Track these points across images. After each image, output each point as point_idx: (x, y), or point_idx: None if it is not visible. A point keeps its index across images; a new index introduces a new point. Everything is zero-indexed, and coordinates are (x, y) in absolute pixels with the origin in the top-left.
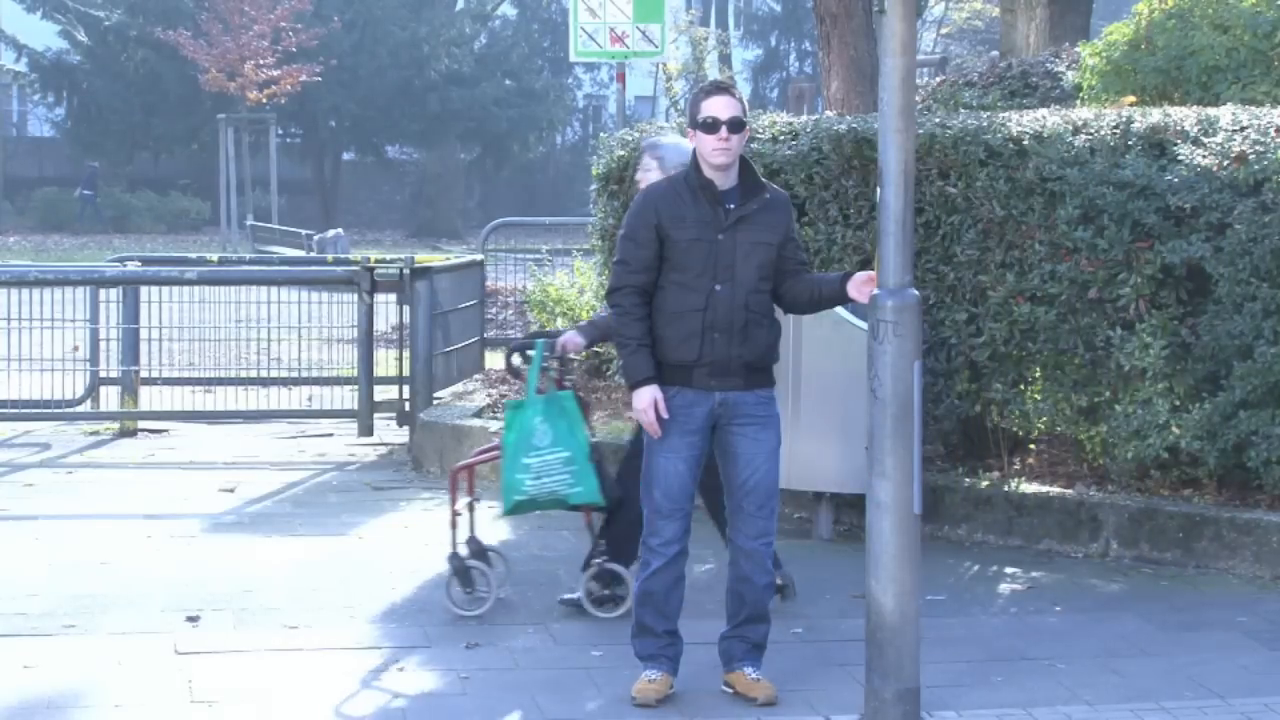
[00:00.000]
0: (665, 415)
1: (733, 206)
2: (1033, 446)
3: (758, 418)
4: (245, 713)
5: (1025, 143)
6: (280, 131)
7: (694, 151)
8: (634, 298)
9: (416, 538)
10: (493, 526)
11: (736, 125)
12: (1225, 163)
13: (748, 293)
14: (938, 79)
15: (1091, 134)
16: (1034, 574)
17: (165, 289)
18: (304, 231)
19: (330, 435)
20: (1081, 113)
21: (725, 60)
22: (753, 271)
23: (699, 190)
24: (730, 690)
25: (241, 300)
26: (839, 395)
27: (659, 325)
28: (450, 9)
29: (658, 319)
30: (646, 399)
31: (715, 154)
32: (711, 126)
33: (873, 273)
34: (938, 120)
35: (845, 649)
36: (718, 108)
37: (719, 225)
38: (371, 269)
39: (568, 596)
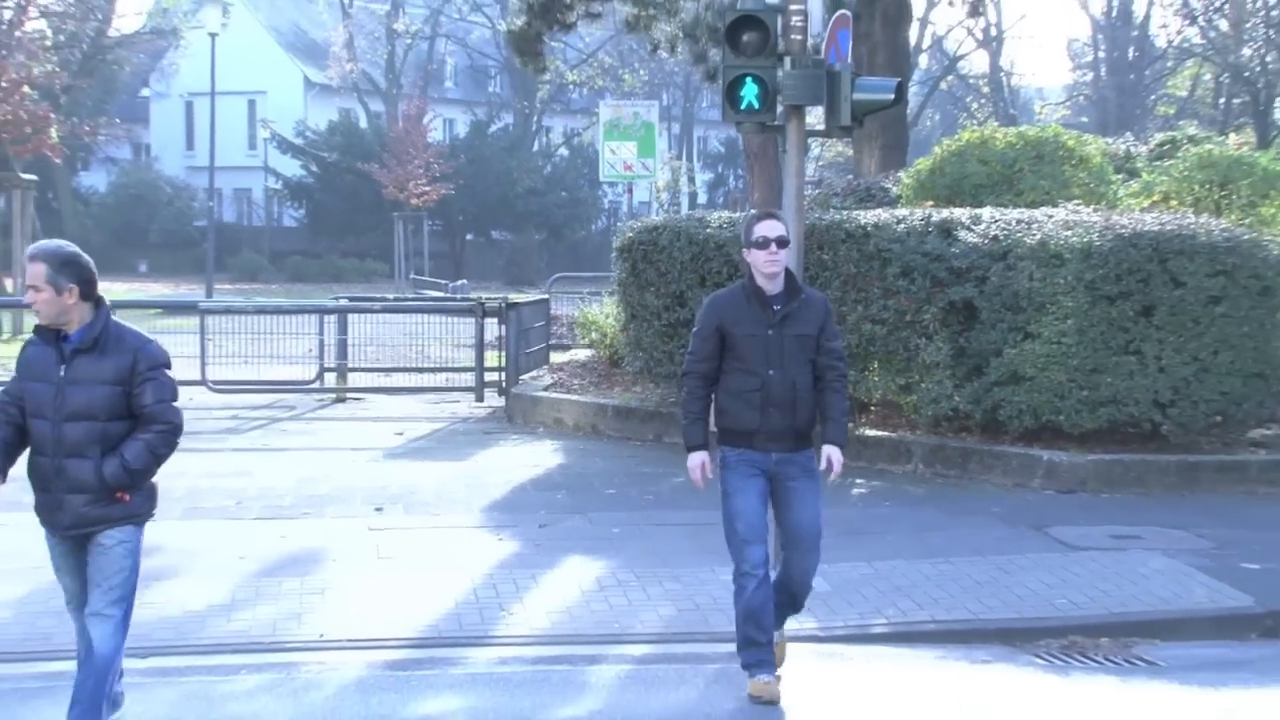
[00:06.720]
0: (710, 476)
1: (778, 308)
2: (873, 409)
3: (805, 472)
4: (408, 563)
5: (868, 229)
6: (429, 222)
7: (749, 266)
8: (698, 381)
9: (508, 462)
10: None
11: (783, 242)
12: (985, 241)
13: (795, 375)
14: (816, 192)
15: (908, 224)
16: (873, 484)
17: (363, 315)
18: (444, 281)
19: (458, 402)
20: (901, 211)
21: (690, 179)
22: (798, 358)
23: (752, 295)
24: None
25: (407, 321)
26: None
27: (725, 400)
28: (529, 150)
29: (724, 396)
30: (697, 461)
31: (767, 264)
32: (763, 244)
33: (839, 465)
34: (817, 215)
35: None
36: (768, 229)
37: (768, 323)
38: (483, 303)
39: None
